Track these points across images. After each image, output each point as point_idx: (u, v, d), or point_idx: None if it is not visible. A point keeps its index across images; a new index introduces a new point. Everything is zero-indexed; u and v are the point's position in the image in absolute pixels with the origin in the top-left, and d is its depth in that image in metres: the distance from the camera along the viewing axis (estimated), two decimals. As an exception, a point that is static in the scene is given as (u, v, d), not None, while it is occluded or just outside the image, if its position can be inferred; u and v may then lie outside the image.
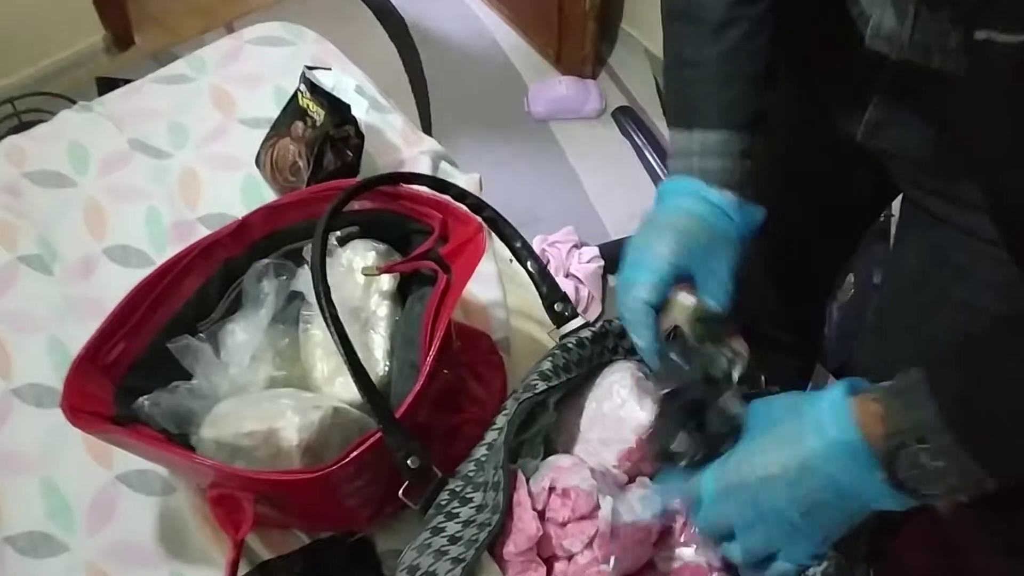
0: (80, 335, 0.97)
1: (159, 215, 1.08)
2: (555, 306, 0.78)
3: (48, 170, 1.13)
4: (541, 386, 0.68)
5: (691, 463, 0.64)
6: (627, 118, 2.12)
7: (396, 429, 0.68)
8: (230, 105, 1.20)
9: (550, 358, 0.71)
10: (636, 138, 2.07)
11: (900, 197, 0.91)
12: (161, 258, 1.03)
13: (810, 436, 0.58)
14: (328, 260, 0.83)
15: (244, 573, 0.81)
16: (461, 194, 0.79)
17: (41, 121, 1.25)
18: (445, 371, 0.76)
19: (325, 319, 0.69)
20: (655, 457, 0.68)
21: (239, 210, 1.03)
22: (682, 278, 0.69)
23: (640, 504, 0.67)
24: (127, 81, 1.29)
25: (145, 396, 0.75)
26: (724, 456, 0.63)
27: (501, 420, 0.72)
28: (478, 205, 0.79)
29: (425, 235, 0.82)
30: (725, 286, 0.69)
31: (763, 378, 0.70)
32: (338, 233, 0.84)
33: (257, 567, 0.82)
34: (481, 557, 0.63)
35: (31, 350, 0.98)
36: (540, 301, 1.02)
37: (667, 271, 0.68)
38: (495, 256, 1.07)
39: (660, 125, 2.09)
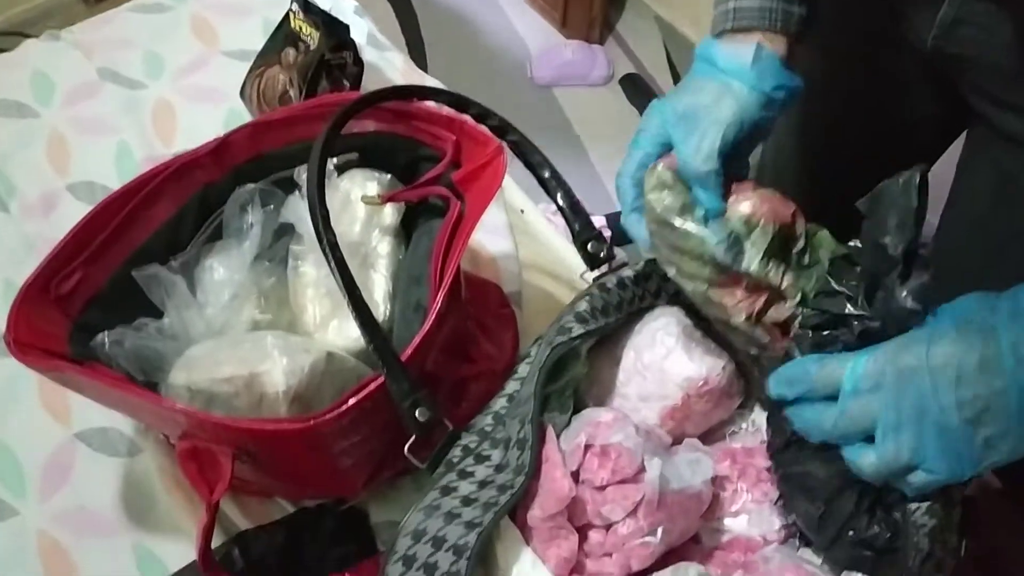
0: (38, 278, 0.88)
1: (129, 150, 0.97)
2: (588, 246, 0.68)
3: (7, 99, 1.02)
4: (578, 329, 0.58)
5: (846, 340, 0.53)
6: (635, 86, 2.02)
7: (402, 374, 0.58)
8: (212, 36, 1.09)
9: (587, 298, 0.61)
10: (645, 107, 1.97)
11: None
12: (131, 196, 0.93)
13: (1005, 331, 0.46)
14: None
15: (218, 544, 0.71)
16: (482, 113, 0.68)
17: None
18: (454, 314, 0.66)
19: (322, 245, 0.59)
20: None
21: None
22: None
23: (689, 469, 0.57)
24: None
25: (106, 332, 0.64)
26: (883, 343, 0.51)
27: (524, 369, 0.62)
28: (502, 127, 0.68)
29: (434, 163, 0.72)
30: (703, 147, 0.58)
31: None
32: (334, 160, 0.74)
33: (234, 537, 0.71)
34: (501, 523, 0.53)
35: (-19, 293, 0.87)
36: (555, 255, 0.95)
37: (650, 143, 0.62)
38: (506, 207, 0.97)
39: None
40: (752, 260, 0.56)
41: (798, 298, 0.56)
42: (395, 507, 0.77)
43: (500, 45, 2.12)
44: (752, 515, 0.60)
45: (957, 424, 0.47)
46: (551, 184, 0.69)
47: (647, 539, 0.53)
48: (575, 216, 0.68)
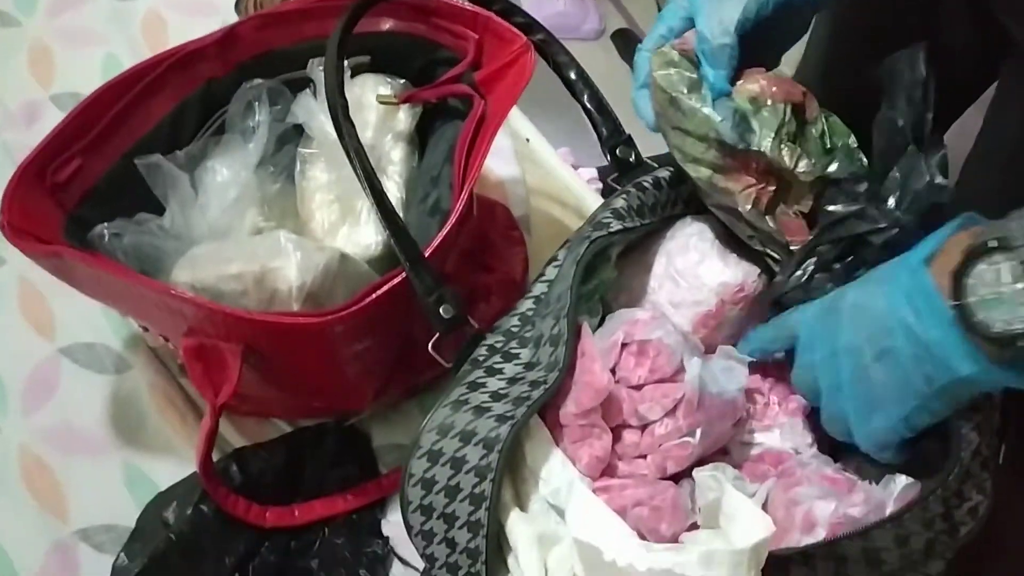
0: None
1: (119, 62, 0.92)
2: (617, 151, 0.65)
3: (-11, 8, 0.96)
4: (616, 225, 0.55)
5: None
6: (627, 41, 1.99)
7: (425, 269, 0.55)
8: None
9: (623, 196, 0.58)
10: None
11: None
12: (120, 109, 0.88)
13: (901, 273, 0.47)
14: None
15: (215, 460, 0.67)
16: (507, 8, 0.65)
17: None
18: (472, 220, 0.63)
19: (339, 131, 0.55)
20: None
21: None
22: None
23: (724, 375, 0.54)
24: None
25: (104, 224, 0.60)
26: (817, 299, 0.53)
27: (552, 271, 0.59)
28: (527, 24, 0.65)
29: (451, 66, 0.68)
30: (722, 19, 0.56)
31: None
32: (345, 62, 0.70)
33: (231, 453, 0.68)
34: (530, 422, 0.51)
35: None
36: (562, 182, 0.93)
37: (675, 16, 0.60)
38: (512, 133, 0.94)
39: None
40: (764, 138, 0.55)
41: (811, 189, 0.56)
42: (398, 430, 0.74)
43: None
44: (784, 428, 0.57)
45: (872, 363, 0.48)
46: (578, 86, 0.66)
47: (686, 439, 0.51)
48: (603, 119, 0.66)
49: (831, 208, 0.56)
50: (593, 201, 0.92)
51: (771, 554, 0.45)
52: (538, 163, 0.93)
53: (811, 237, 0.56)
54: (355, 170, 0.55)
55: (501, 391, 0.52)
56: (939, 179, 0.50)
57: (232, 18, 0.95)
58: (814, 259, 0.55)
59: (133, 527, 0.65)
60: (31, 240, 0.55)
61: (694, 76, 0.57)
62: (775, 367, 0.60)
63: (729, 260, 0.59)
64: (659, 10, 2.17)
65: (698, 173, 0.57)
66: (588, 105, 0.67)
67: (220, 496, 0.62)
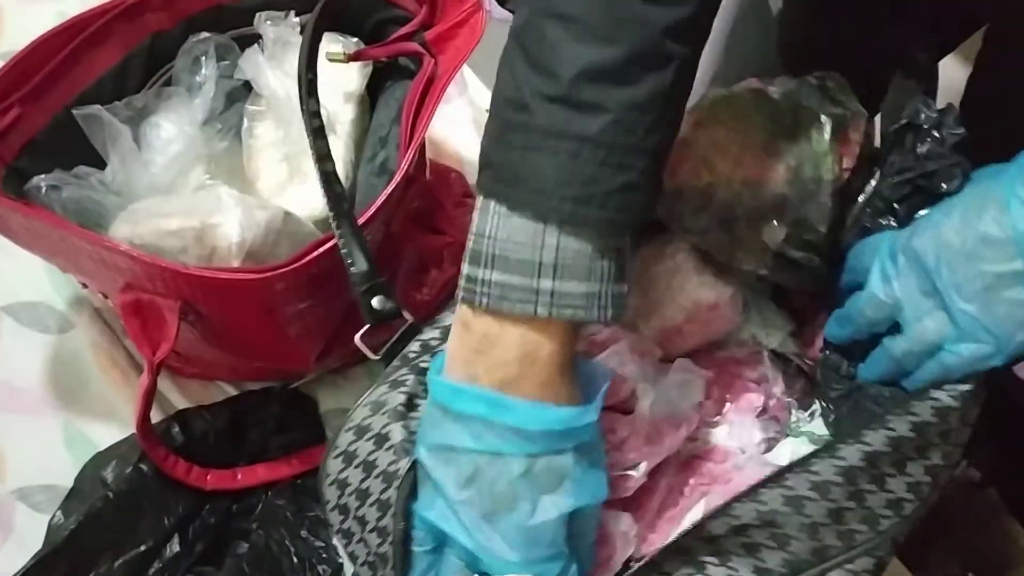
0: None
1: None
2: None
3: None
4: None
5: None
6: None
7: (362, 253, 0.54)
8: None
9: None
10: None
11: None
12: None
13: (1010, 189, 0.45)
14: (280, 50, 0.68)
15: (157, 421, 0.66)
16: None
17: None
18: (420, 182, 0.63)
19: (301, 74, 0.55)
20: None
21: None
22: None
23: (679, 392, 0.53)
24: None
25: (42, 176, 0.59)
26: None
27: None
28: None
29: (402, 24, 0.67)
30: None
31: None
32: (296, 19, 0.69)
33: (174, 414, 0.67)
34: None
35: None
36: None
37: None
38: (471, 102, 0.93)
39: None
40: None
41: None
42: (345, 395, 0.74)
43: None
44: (733, 425, 0.57)
45: (976, 293, 0.46)
46: None
47: (628, 472, 0.50)
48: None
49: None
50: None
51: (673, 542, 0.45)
52: (497, 134, 0.92)
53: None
54: (308, 135, 0.54)
55: (422, 397, 0.51)
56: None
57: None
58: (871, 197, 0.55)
59: (71, 486, 0.64)
60: (-37, 188, 0.54)
61: None
62: (733, 363, 0.60)
63: (705, 277, 0.56)
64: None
65: None
66: None
67: (159, 457, 0.61)
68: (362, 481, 0.49)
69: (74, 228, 0.54)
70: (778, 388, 0.59)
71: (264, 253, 0.58)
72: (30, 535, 0.65)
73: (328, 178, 0.57)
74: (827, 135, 0.54)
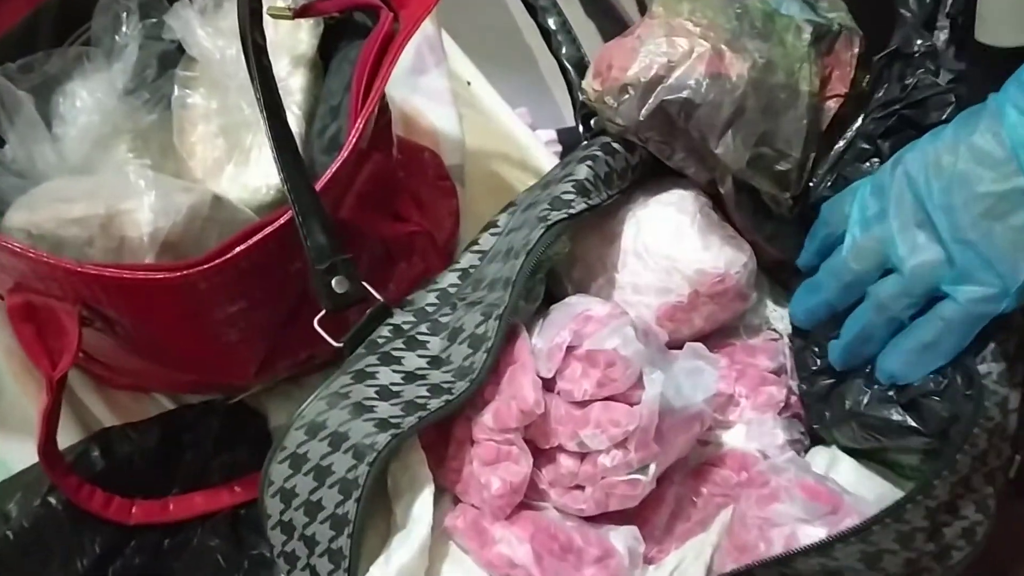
0: None
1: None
2: (591, 121, 0.54)
3: None
4: (579, 204, 0.45)
5: None
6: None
7: (321, 227, 0.45)
8: None
9: (588, 163, 0.48)
10: (602, 19, 1.86)
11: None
12: None
13: (1007, 102, 0.40)
14: (215, 4, 0.58)
15: (73, 443, 0.57)
16: None
17: None
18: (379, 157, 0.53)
19: (244, 38, 0.45)
20: None
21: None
22: None
23: (689, 381, 0.44)
24: None
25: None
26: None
27: (489, 240, 0.49)
28: None
29: (362, -22, 0.57)
30: None
31: None
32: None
33: (94, 435, 0.58)
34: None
35: None
36: (504, 130, 0.83)
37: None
38: (449, 74, 0.83)
39: (627, 4, 1.89)
40: None
41: None
42: (298, 406, 0.64)
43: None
44: (751, 426, 0.48)
45: (973, 223, 0.40)
46: (556, 38, 0.60)
47: (636, 476, 0.41)
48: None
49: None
50: (541, 155, 0.83)
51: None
52: (479, 109, 0.83)
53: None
54: (259, 106, 0.45)
55: (393, 387, 0.42)
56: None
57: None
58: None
59: (-30, 520, 0.55)
60: None
61: None
62: (743, 350, 0.51)
63: (710, 242, 0.48)
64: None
65: None
66: (550, 25, 0.59)
67: (70, 487, 0.52)
68: (313, 491, 0.41)
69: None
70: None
71: (188, 245, 0.48)
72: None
73: (279, 135, 0.47)
74: (806, 39, 0.48)
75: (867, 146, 0.48)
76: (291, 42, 0.58)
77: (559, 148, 1.60)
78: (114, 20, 0.57)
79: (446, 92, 0.80)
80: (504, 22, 1.82)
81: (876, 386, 0.43)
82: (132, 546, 0.55)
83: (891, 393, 0.42)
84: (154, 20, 0.58)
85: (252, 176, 0.56)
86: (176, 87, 0.58)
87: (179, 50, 0.60)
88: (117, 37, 0.57)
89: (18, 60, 0.56)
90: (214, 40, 0.55)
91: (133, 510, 0.55)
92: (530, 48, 1.80)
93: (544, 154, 0.83)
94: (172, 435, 0.59)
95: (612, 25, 1.85)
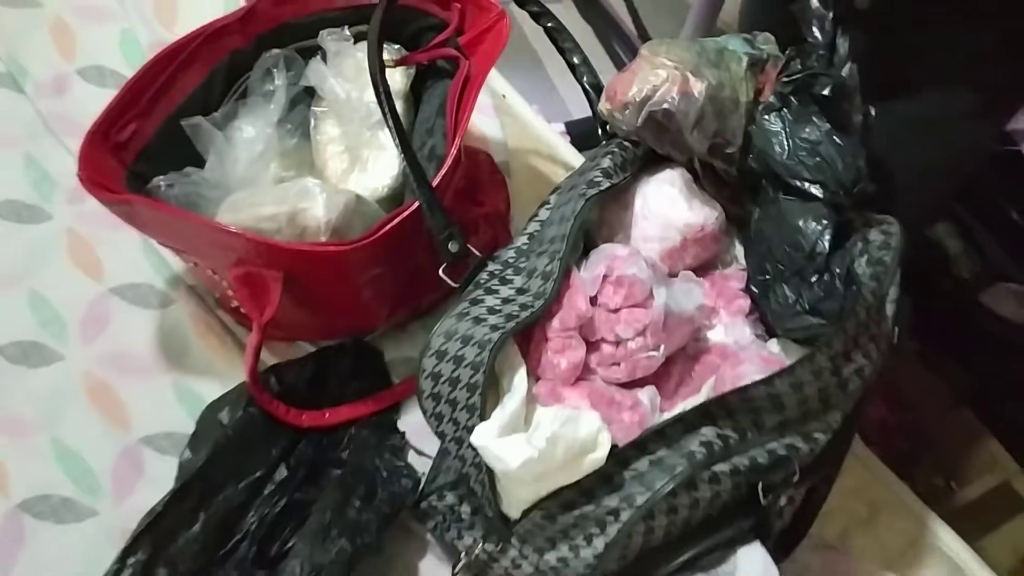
0: (57, 153, 0.94)
1: (134, 36, 1.02)
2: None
3: (7, -10, 1.05)
4: (605, 183, 0.67)
5: None
6: (588, 3, 2.11)
7: (439, 211, 0.67)
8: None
9: (609, 156, 0.70)
10: (597, 22, 2.06)
11: None
12: (141, 78, 0.99)
13: None
14: (338, 59, 0.81)
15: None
16: None
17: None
18: (462, 163, 0.76)
19: (375, 83, 0.67)
20: None
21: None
22: None
23: (684, 296, 0.67)
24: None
25: (160, 177, 0.72)
26: None
27: (544, 213, 0.71)
28: (538, 13, 0.76)
29: (436, 32, 0.80)
30: None
31: None
32: (348, 31, 0.82)
33: (269, 368, 0.81)
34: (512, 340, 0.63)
35: (6, 166, 0.93)
36: (537, 133, 1.05)
37: None
38: (489, 91, 1.06)
39: (622, 12, 2.09)
40: None
41: None
42: (406, 346, 0.87)
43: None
44: (728, 326, 0.71)
45: None
46: (566, 45, 0.78)
47: (652, 353, 0.64)
48: (588, 74, 0.77)
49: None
50: (564, 149, 1.04)
51: (696, 407, 0.59)
52: (515, 117, 1.05)
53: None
54: (389, 128, 0.67)
55: (496, 308, 0.64)
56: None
57: (233, -7, 1.05)
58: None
59: (193, 429, 0.78)
60: (103, 191, 0.67)
61: None
62: (721, 277, 0.73)
63: (693, 204, 0.70)
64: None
65: None
66: (575, 60, 0.77)
67: (265, 401, 0.75)
68: (452, 372, 0.62)
69: (198, 217, 0.68)
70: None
71: (344, 229, 0.71)
72: (158, 472, 0.79)
73: (408, 152, 0.68)
74: (744, 65, 0.69)
75: (774, 102, 0.67)
76: (392, 81, 0.81)
77: (568, 137, 1.83)
78: (266, 73, 0.80)
79: (489, 107, 1.03)
80: (514, 32, 2.04)
81: (789, 300, 0.66)
82: (303, 443, 0.78)
83: (799, 306, 0.65)
84: (292, 71, 0.81)
85: (370, 180, 0.80)
86: (312, 119, 0.81)
87: (306, 91, 0.83)
88: (269, 85, 0.80)
89: (201, 106, 0.78)
90: (341, 85, 0.78)
91: (303, 417, 0.77)
92: (536, 53, 2.02)
93: (566, 148, 1.04)
94: (320, 367, 0.83)
95: (606, 27, 2.06)
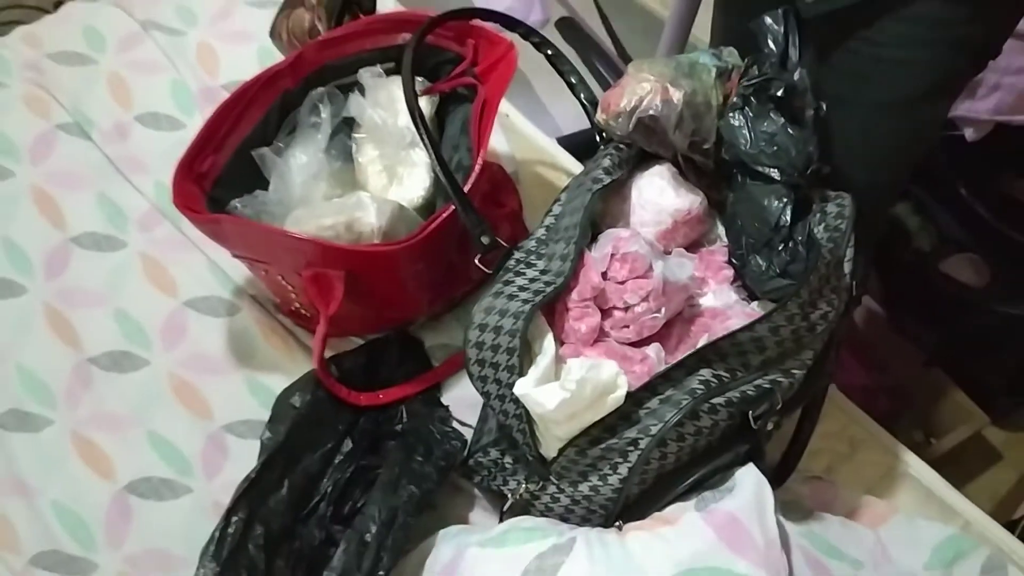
0: (125, 189, 1.08)
1: (184, 84, 1.16)
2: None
3: (67, 50, 1.19)
4: (607, 179, 0.81)
5: None
6: (570, 28, 2.26)
7: (471, 209, 0.81)
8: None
9: (608, 156, 0.83)
10: (578, 44, 2.21)
11: None
12: (192, 122, 1.14)
13: None
14: (374, 92, 0.95)
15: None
16: (527, 32, 0.91)
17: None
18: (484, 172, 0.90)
19: (412, 111, 0.81)
20: None
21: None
22: None
23: (679, 268, 0.80)
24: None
25: (236, 200, 0.86)
26: None
27: (557, 208, 0.85)
28: (539, 43, 0.91)
29: (453, 64, 0.95)
30: None
31: None
32: (379, 67, 0.96)
33: (329, 358, 0.95)
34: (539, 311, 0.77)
35: (81, 204, 1.06)
36: (540, 146, 1.19)
37: None
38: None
39: (601, 34, 2.24)
40: None
41: None
42: (443, 334, 1.01)
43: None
44: (716, 293, 0.85)
45: None
46: (565, 68, 0.92)
47: (655, 315, 0.77)
48: (583, 92, 0.91)
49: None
50: (564, 157, 1.18)
51: (693, 352, 0.73)
52: (518, 133, 1.20)
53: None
54: (422, 137, 0.81)
55: (524, 286, 0.78)
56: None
57: (267, 43, 1.19)
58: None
59: (269, 414, 0.92)
60: (195, 213, 0.81)
61: None
62: (707, 252, 0.88)
63: (680, 192, 0.84)
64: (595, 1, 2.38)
65: None
66: (573, 80, 0.92)
67: (330, 384, 0.89)
68: (493, 340, 0.74)
69: (276, 229, 0.82)
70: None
71: (392, 233, 0.86)
72: (240, 453, 0.92)
73: (443, 164, 0.81)
74: (712, 75, 0.82)
75: (736, 102, 0.80)
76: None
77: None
78: (313, 108, 0.94)
79: (495, 125, 1.17)
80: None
81: (762, 267, 0.80)
82: (363, 419, 0.92)
83: (771, 271, 0.79)
84: (334, 105, 0.95)
85: (406, 192, 0.94)
86: (354, 144, 0.96)
87: (344, 121, 0.97)
88: (315, 118, 0.94)
89: (259, 138, 0.93)
90: (378, 114, 0.93)
91: (361, 398, 0.91)
92: (523, 73, 2.17)
93: (565, 157, 1.19)
94: (372, 355, 0.97)
95: (587, 48, 2.20)
